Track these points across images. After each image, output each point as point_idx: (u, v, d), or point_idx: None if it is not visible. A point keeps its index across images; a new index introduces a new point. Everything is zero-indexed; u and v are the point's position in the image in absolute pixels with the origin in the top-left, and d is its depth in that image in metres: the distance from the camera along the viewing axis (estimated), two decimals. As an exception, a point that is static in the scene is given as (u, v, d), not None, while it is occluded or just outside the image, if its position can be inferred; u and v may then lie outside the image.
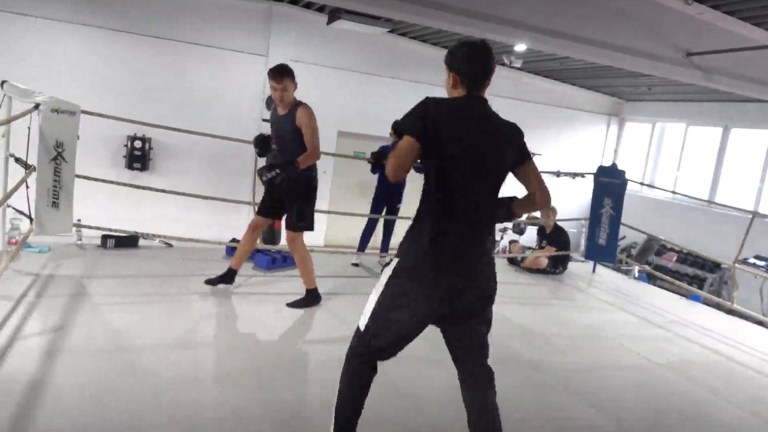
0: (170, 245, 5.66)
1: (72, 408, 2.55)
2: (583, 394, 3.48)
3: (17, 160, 4.59)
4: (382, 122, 8.97)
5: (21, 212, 4.89)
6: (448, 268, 2.10)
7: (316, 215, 4.25)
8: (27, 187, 4.31)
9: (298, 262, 4.25)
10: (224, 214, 7.94)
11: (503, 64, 9.15)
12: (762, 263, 8.14)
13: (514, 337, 4.24)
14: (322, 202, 9.33)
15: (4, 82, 4.51)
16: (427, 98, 2.12)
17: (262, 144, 4.23)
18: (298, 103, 3.97)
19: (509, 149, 2.21)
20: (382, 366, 2.20)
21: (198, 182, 8.17)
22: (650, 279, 7.60)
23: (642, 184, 9.45)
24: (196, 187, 7.69)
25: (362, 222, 6.29)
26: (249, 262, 5.41)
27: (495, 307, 2.24)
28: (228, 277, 4.36)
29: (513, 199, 2.29)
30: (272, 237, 6.64)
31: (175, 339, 3.44)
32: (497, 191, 2.24)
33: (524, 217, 9.36)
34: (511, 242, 7.90)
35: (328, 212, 7.91)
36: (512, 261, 6.89)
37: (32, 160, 4.58)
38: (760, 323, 5.87)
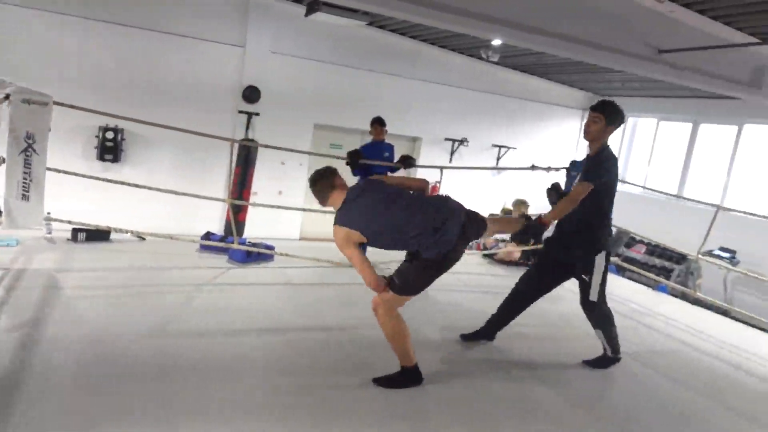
0: (143, 238, 5.62)
1: (53, 396, 2.55)
2: (551, 384, 3.59)
3: (-14, 151, 4.50)
4: (358, 114, 9.02)
5: (-10, 204, 4.80)
6: None
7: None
8: (-4, 179, 4.23)
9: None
10: (197, 206, 7.86)
11: (481, 59, 9.23)
12: (726, 255, 8.40)
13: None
14: (297, 194, 9.42)
15: (-28, 71, 4.42)
16: (613, 157, 3.61)
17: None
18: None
19: None
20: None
21: (171, 174, 8.12)
22: (619, 270, 7.78)
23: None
24: (169, 179, 7.64)
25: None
26: (224, 254, 5.42)
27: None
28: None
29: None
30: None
31: (151, 329, 3.45)
32: None
33: (500, 210, 9.50)
34: (486, 235, 8.01)
35: (304, 210, 7.83)
36: (487, 254, 7.00)
37: (2, 152, 4.52)
38: (724, 312, 6.08)
